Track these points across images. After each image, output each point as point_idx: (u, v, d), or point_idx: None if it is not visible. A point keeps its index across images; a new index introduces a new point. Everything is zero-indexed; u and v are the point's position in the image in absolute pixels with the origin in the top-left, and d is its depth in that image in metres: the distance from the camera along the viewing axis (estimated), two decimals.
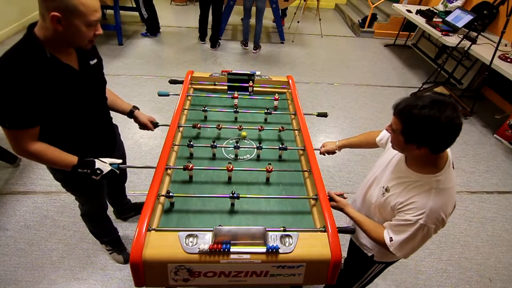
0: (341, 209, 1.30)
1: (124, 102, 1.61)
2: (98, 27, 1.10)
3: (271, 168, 1.41)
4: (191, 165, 1.36)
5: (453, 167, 1.06)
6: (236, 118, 1.86)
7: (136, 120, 1.62)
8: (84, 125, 1.29)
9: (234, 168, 1.40)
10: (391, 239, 1.10)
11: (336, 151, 1.61)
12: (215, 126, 1.70)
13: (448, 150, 1.05)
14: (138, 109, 1.63)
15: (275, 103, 1.95)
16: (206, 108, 1.80)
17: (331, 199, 1.31)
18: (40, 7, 1.01)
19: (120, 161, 1.35)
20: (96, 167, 1.26)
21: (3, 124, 1.07)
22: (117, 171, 1.33)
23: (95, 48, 1.31)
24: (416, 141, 0.95)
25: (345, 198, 1.34)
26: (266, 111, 1.80)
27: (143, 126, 1.64)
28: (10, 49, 1.07)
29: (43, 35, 1.06)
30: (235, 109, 1.85)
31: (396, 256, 1.16)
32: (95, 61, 1.29)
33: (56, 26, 1.01)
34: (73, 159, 1.23)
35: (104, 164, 1.29)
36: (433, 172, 1.02)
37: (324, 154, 1.67)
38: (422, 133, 0.93)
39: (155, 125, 1.66)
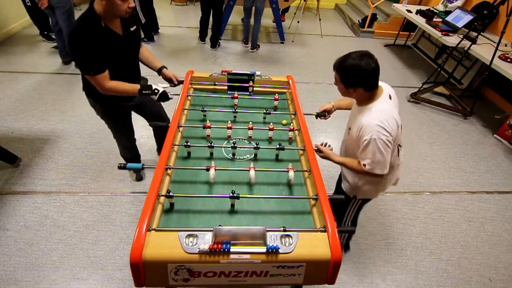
0: (327, 158, 1.55)
1: (157, 61, 1.99)
2: (130, 1, 1.51)
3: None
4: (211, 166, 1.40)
5: (390, 98, 1.42)
6: (236, 118, 1.86)
7: (164, 76, 1.96)
8: (123, 72, 1.74)
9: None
10: (364, 165, 1.38)
11: (332, 110, 1.84)
12: (215, 126, 1.69)
13: (384, 86, 1.44)
14: (166, 68, 1.99)
15: (275, 103, 1.95)
16: (205, 108, 1.79)
17: (318, 150, 1.54)
18: None
19: (167, 84, 1.88)
20: (154, 88, 1.72)
21: (88, 72, 1.56)
22: (169, 94, 1.76)
23: (135, 16, 1.76)
24: (351, 84, 1.32)
25: (331, 148, 1.59)
26: (266, 111, 1.80)
27: (168, 80, 1.95)
28: (79, 20, 1.53)
29: (99, 9, 1.51)
30: (235, 109, 1.85)
31: (363, 193, 1.60)
32: (134, 27, 1.75)
33: (102, 1, 1.46)
34: (136, 86, 1.70)
35: (158, 86, 1.74)
36: (370, 102, 1.37)
37: (321, 118, 1.83)
38: (352, 77, 1.30)
39: (179, 82, 1.97)
